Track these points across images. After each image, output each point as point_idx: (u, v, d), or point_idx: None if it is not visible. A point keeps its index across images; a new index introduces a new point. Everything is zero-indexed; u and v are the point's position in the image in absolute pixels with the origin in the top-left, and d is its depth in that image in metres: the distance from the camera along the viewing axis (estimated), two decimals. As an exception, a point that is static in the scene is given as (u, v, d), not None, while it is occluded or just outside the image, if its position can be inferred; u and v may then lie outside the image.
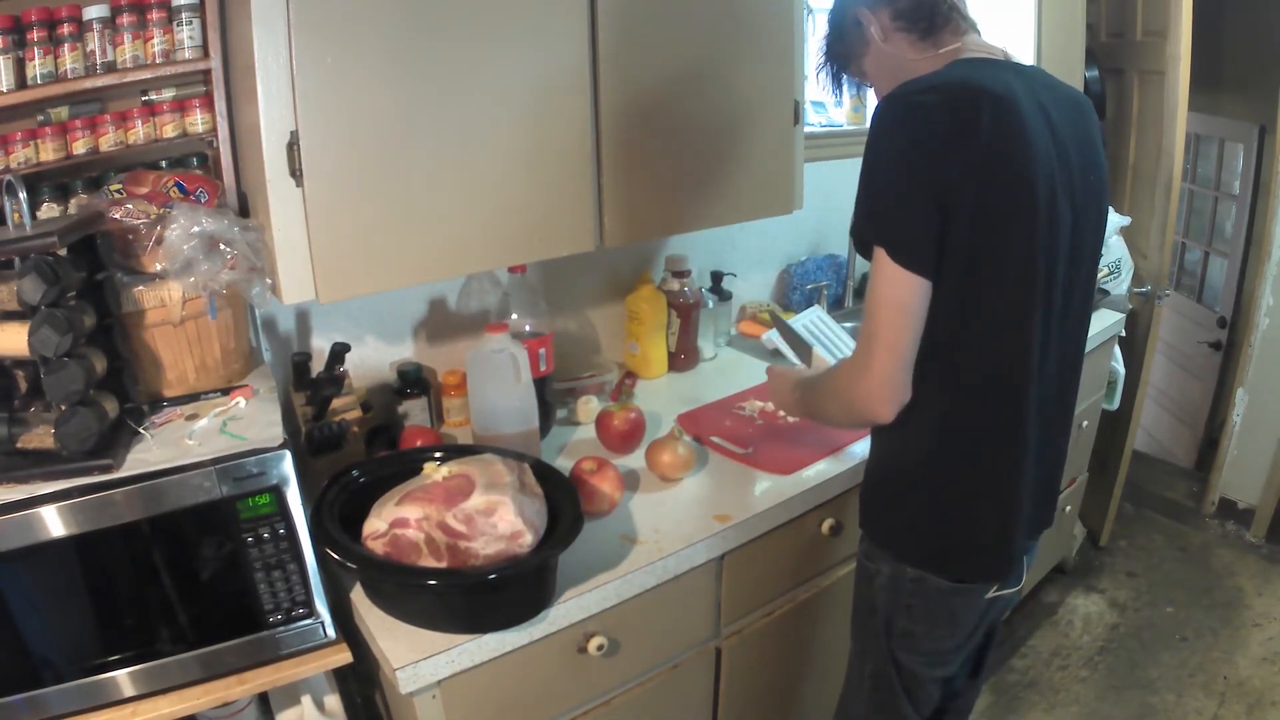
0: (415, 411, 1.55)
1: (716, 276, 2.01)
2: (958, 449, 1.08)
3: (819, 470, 1.45)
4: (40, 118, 1.20)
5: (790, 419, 1.60)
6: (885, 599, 1.19)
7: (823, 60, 1.22)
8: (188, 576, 1.04)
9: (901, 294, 0.97)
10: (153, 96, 1.26)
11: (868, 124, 1.00)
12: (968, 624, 1.18)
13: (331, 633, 1.12)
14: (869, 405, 1.03)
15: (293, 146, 1.09)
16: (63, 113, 1.21)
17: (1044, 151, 0.98)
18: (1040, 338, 1.03)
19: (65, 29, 1.16)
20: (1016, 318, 1.01)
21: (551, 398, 1.62)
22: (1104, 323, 2.16)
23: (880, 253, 0.97)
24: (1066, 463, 1.25)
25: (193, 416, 1.13)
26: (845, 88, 1.25)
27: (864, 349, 1.02)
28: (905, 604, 1.16)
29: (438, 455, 1.24)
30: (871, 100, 1.42)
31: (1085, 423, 2.26)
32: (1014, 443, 1.07)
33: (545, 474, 1.23)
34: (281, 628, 1.09)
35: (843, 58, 1.19)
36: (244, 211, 1.28)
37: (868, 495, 1.23)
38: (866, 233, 1.00)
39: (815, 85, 1.28)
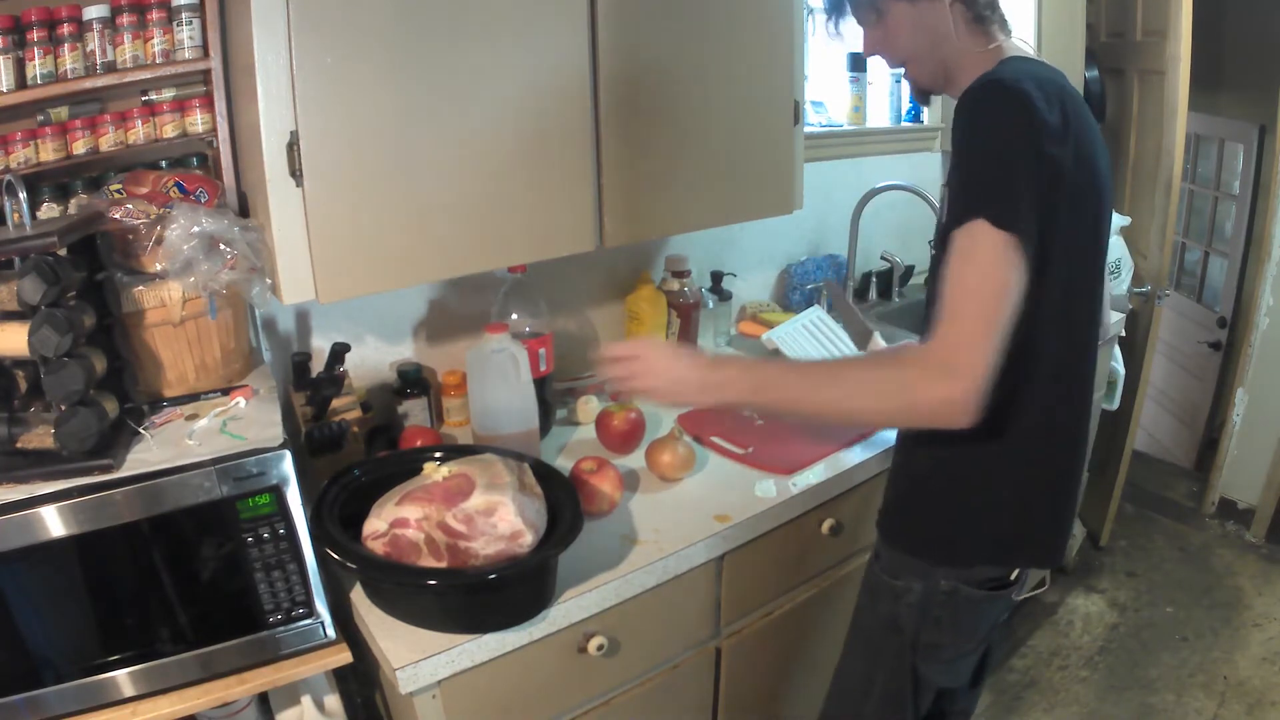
0: (415, 411, 1.55)
1: (716, 276, 2.01)
2: (1024, 443, 1.06)
3: (819, 470, 1.45)
4: (40, 118, 1.20)
5: (759, 421, 1.59)
6: (913, 615, 1.15)
7: None
8: (187, 576, 1.04)
9: (1003, 274, 0.86)
10: (153, 96, 1.26)
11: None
12: (984, 629, 1.19)
13: (331, 633, 1.12)
14: (948, 413, 0.87)
15: (293, 146, 1.09)
16: (63, 113, 1.21)
17: (1101, 148, 1.05)
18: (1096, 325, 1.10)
19: (65, 29, 1.16)
20: (1086, 308, 1.06)
21: (551, 398, 1.62)
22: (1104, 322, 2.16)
23: (978, 231, 0.87)
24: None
25: (193, 416, 1.13)
26: (841, 21, 1.15)
27: (949, 344, 0.87)
28: (935, 616, 1.14)
29: (438, 455, 1.24)
30: (872, 87, 1.38)
31: (1085, 423, 2.26)
32: (1078, 428, 1.11)
33: (545, 474, 1.22)
34: (281, 628, 1.09)
35: None
36: (244, 211, 1.28)
37: (901, 505, 1.19)
38: (969, 207, 0.90)
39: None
